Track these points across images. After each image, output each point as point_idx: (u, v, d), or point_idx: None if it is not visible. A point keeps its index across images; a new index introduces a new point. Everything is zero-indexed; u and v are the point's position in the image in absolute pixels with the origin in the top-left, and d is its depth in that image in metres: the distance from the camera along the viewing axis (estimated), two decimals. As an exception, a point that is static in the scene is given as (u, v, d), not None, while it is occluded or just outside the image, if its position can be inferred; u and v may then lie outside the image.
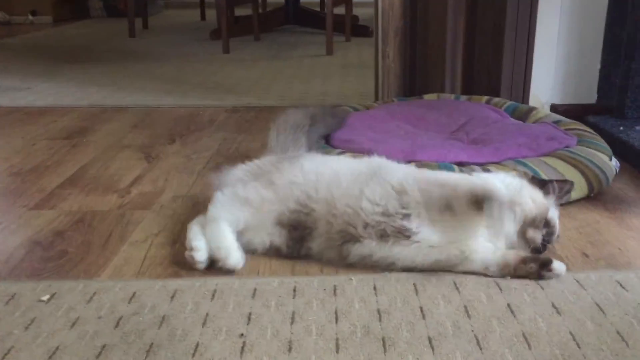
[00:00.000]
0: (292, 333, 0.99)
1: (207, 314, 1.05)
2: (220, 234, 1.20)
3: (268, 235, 1.24)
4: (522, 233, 1.15)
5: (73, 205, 1.54)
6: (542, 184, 1.22)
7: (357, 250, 1.17)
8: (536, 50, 2.05)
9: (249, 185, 1.27)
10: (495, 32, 2.07)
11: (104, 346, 0.97)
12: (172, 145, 2.03)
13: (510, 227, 1.14)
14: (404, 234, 1.14)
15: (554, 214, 1.19)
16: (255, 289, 1.13)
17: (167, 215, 1.47)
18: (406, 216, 1.14)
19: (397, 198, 1.16)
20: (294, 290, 1.12)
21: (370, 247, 1.16)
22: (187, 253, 1.20)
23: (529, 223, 1.15)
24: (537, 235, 1.14)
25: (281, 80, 3.14)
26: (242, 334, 0.99)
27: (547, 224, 1.16)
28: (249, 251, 1.23)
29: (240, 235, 1.23)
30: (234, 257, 1.18)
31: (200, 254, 1.19)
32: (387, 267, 1.16)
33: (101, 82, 3.05)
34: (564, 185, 1.26)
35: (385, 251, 1.15)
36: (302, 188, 1.23)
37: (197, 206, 1.52)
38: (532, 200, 1.16)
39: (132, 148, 2.00)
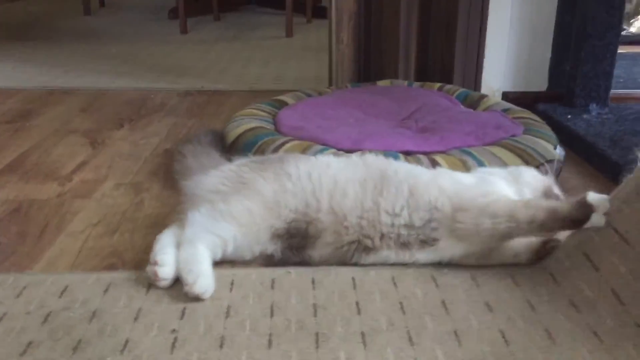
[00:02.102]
0: (225, 328, 0.98)
1: (139, 309, 1.03)
2: (194, 257, 1.06)
3: (259, 245, 1.14)
4: None
5: (10, 193, 1.49)
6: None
7: (370, 259, 1.13)
8: (488, 37, 2.05)
9: (231, 199, 1.13)
10: (448, 18, 2.07)
11: (29, 343, 0.94)
12: (120, 131, 1.98)
13: None
14: (429, 243, 1.11)
15: (558, 189, 1.21)
16: (192, 282, 1.11)
17: (108, 204, 1.44)
18: (434, 229, 1.10)
19: (427, 211, 1.10)
20: (232, 284, 1.10)
21: (387, 255, 1.13)
22: (149, 267, 1.08)
23: (543, 195, 1.18)
24: None
25: (238, 62, 3.09)
26: (174, 330, 0.98)
27: (556, 196, 1.18)
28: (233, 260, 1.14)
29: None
30: (202, 283, 1.04)
31: (164, 270, 1.06)
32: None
33: (51, 63, 2.96)
34: (551, 165, 1.27)
35: (406, 257, 1.13)
36: (298, 196, 1.13)
37: (141, 194, 1.49)
38: (533, 177, 1.20)
39: (78, 133, 1.95)
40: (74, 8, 4.84)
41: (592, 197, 1.03)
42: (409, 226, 1.11)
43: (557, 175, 1.28)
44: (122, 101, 2.33)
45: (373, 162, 1.21)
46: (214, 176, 1.21)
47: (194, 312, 1.02)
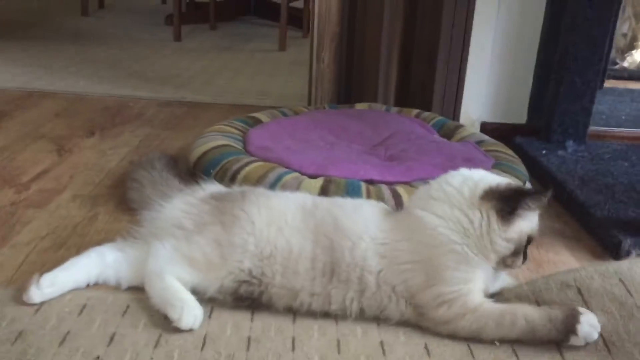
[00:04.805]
0: (151, 358, 0.95)
1: (67, 332, 1.00)
2: (170, 289, 1.05)
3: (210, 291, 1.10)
4: None
5: (-37, 199, 1.46)
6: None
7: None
8: (469, 67, 2.03)
9: (192, 241, 1.10)
10: (430, 46, 2.04)
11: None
12: (90, 139, 1.96)
13: None
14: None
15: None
16: (128, 306, 1.08)
17: (61, 216, 1.41)
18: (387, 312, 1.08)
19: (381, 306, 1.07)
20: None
21: None
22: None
23: None
24: None
25: (225, 74, 3.06)
26: (98, 357, 0.95)
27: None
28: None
29: None
30: (190, 314, 1.02)
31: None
32: None
33: (36, 63, 2.93)
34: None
35: None
36: (255, 261, 1.08)
37: (96, 207, 1.46)
38: None
39: (47, 139, 1.92)
40: (73, 7, 4.82)
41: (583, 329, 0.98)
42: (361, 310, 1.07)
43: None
44: (99, 108, 2.30)
45: (323, 226, 1.10)
46: (176, 208, 1.17)
47: (124, 339, 0.99)
